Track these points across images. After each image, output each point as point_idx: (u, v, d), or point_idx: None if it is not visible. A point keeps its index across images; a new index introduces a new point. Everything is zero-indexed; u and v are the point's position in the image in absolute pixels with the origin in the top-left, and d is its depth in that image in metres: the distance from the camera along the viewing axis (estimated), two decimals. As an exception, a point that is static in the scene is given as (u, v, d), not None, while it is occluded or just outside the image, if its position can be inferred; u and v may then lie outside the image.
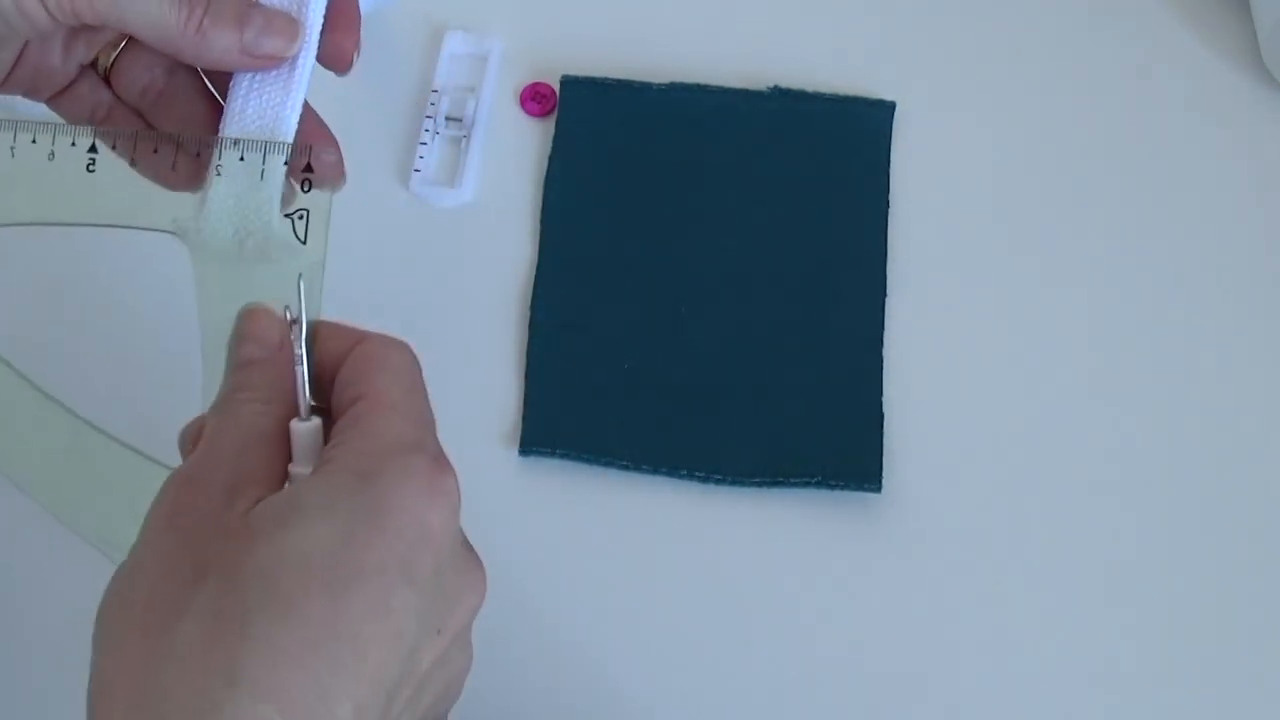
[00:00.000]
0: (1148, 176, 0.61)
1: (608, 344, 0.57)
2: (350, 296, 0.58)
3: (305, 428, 0.38)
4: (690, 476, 0.55)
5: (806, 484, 0.55)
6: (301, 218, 0.43)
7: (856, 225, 0.59)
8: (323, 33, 0.45)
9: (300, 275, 0.40)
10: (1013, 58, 0.63)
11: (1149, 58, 0.63)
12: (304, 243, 0.43)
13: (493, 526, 0.55)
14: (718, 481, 0.55)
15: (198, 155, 0.44)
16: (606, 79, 0.62)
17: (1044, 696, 0.53)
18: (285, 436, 0.38)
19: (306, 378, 0.38)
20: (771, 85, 0.61)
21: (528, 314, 0.58)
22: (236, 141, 0.43)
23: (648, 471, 0.55)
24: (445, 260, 0.60)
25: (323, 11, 0.44)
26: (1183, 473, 0.56)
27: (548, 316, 0.58)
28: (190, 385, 0.45)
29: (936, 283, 0.59)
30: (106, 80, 0.46)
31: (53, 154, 0.44)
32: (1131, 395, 0.57)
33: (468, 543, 0.38)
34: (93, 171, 0.44)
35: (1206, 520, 0.55)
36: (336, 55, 0.45)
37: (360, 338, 0.39)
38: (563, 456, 0.56)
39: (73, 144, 0.44)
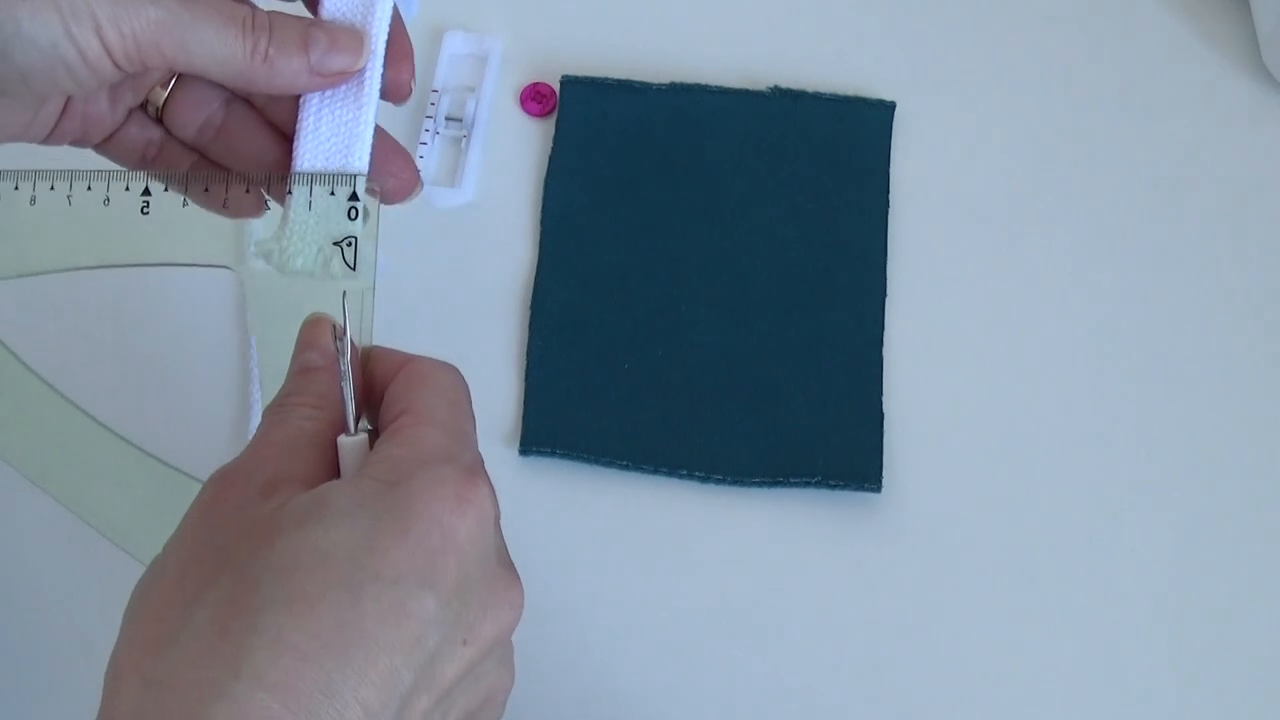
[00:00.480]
0: (1148, 176, 0.61)
1: (608, 344, 0.57)
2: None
3: (352, 442, 0.38)
4: (690, 476, 0.55)
5: (806, 484, 0.55)
6: (350, 245, 0.44)
7: (856, 225, 0.59)
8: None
9: (345, 294, 0.40)
10: (1013, 58, 0.63)
11: (1149, 58, 0.63)
12: (353, 269, 0.43)
13: (493, 526, 0.55)
14: (718, 481, 0.55)
15: (246, 191, 0.45)
16: (606, 79, 0.62)
17: (1044, 695, 0.53)
18: (331, 444, 0.38)
19: (353, 393, 0.39)
20: (771, 85, 0.61)
21: (528, 314, 0.58)
22: (307, 176, 0.44)
23: (648, 471, 0.55)
24: (445, 260, 0.60)
25: (388, 24, 0.44)
26: (1184, 472, 0.56)
27: (548, 316, 0.58)
28: (215, 402, 0.48)
29: (937, 283, 0.59)
30: (159, 119, 0.46)
31: (108, 199, 0.45)
32: (1131, 394, 0.57)
33: (506, 558, 0.38)
34: (147, 214, 0.45)
35: (1207, 519, 0.55)
36: (394, 88, 0.45)
37: (409, 359, 0.40)
38: (563, 456, 0.56)
39: (126, 189, 0.45)
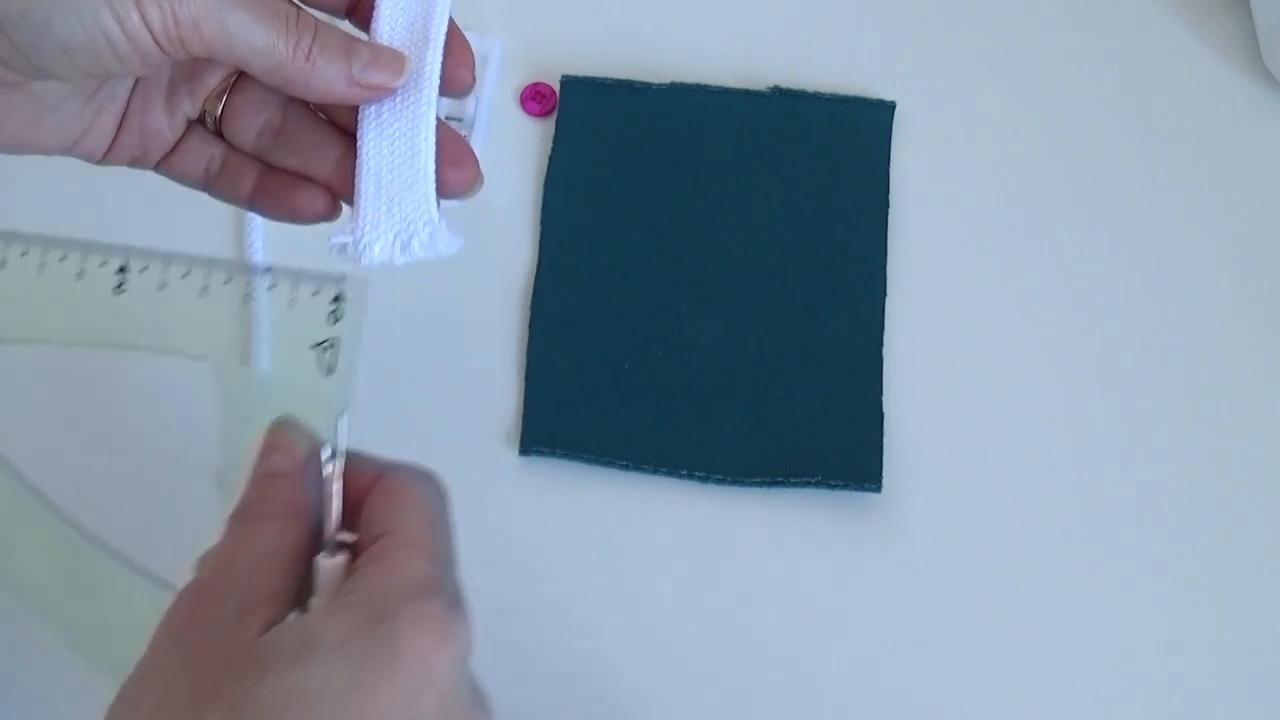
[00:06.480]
0: (1148, 176, 0.61)
1: (608, 344, 0.57)
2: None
3: (332, 565, 0.38)
4: (690, 476, 0.55)
5: (806, 484, 0.55)
6: (329, 348, 0.43)
7: (856, 225, 0.59)
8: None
9: (342, 414, 0.40)
10: (1012, 58, 0.63)
11: (1149, 58, 0.63)
12: (331, 374, 0.43)
13: (493, 527, 0.55)
14: (718, 481, 0.55)
15: (328, 190, 0.45)
16: (606, 79, 0.62)
17: (1044, 696, 0.53)
18: (301, 557, 0.38)
19: (337, 514, 0.38)
20: (771, 85, 0.61)
21: (528, 314, 0.58)
22: (290, 273, 0.44)
23: (648, 471, 0.55)
24: (445, 260, 0.59)
25: (447, 16, 0.45)
26: (1184, 472, 0.56)
27: (548, 316, 0.58)
28: (200, 506, 0.44)
29: (936, 282, 0.59)
30: (218, 132, 0.46)
31: (82, 273, 0.44)
32: (1131, 394, 0.57)
33: (476, 685, 0.38)
34: (122, 292, 0.44)
35: (1207, 519, 0.55)
36: (453, 81, 0.45)
37: (387, 468, 0.40)
38: (563, 456, 0.56)
39: (102, 263, 0.44)
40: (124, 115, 0.45)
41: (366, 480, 0.39)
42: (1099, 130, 0.62)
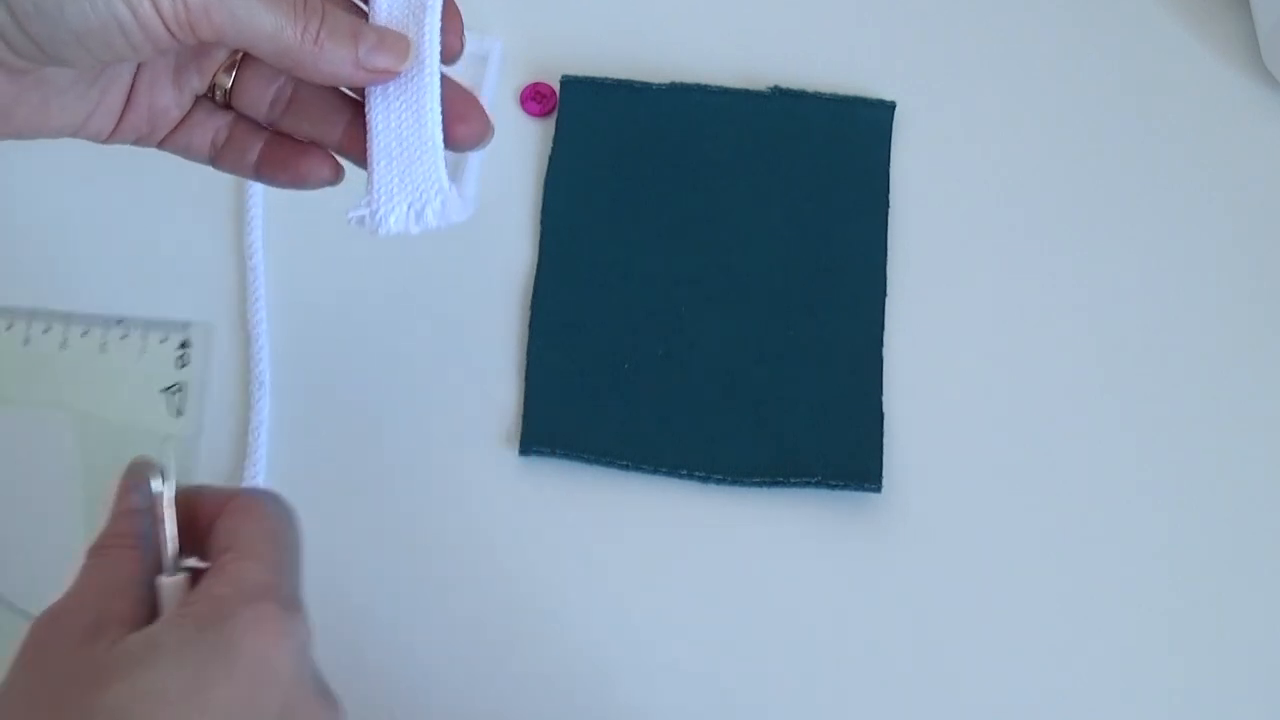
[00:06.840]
0: (1148, 176, 0.61)
1: (608, 344, 0.57)
2: (351, 298, 0.58)
3: (171, 582, 0.39)
4: (690, 476, 0.55)
5: (807, 484, 0.55)
6: (177, 392, 0.46)
7: (856, 225, 0.59)
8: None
9: (167, 438, 0.41)
10: (1012, 58, 0.63)
11: (1149, 58, 0.63)
12: (180, 415, 0.45)
13: (493, 527, 0.55)
14: (718, 481, 0.55)
15: (332, 156, 0.46)
16: (606, 79, 0.62)
17: (1044, 696, 0.53)
18: (152, 584, 0.39)
19: (173, 533, 0.40)
20: (771, 85, 0.61)
21: (528, 314, 0.58)
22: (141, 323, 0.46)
23: (648, 471, 0.55)
24: (445, 260, 0.60)
25: (439, 12, 0.46)
26: (1184, 473, 0.56)
27: (548, 316, 0.58)
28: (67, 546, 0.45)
29: (937, 282, 0.59)
30: (226, 104, 0.47)
31: None
32: (1131, 394, 0.57)
33: (323, 684, 0.39)
34: None
35: (1207, 520, 0.55)
36: (444, 49, 0.46)
37: (235, 494, 0.41)
38: (563, 456, 0.56)
39: None
40: (130, 94, 0.45)
41: (219, 506, 0.41)
42: (1099, 130, 0.62)
